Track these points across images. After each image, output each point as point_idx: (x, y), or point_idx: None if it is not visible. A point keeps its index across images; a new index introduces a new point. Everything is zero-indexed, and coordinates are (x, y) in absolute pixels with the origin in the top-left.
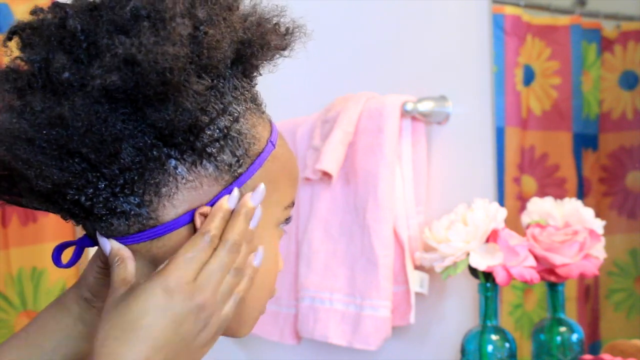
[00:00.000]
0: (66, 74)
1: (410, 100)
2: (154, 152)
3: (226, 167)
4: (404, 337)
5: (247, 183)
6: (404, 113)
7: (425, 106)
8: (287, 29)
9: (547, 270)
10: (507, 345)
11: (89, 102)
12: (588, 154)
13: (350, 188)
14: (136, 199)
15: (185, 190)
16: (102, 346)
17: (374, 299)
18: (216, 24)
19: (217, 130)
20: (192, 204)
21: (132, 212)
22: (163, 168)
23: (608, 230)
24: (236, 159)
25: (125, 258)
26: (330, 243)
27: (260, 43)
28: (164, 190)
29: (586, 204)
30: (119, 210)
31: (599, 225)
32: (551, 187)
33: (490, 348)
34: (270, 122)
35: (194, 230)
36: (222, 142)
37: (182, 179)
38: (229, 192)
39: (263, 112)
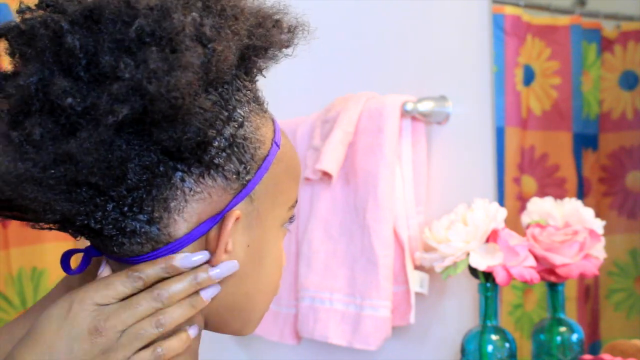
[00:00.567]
0: (69, 100)
1: (410, 100)
2: (161, 168)
3: (234, 176)
4: (404, 337)
5: (255, 189)
6: (404, 113)
7: (425, 106)
8: (290, 26)
9: (547, 270)
10: (507, 345)
11: (98, 137)
12: (588, 154)
13: (350, 188)
14: (145, 216)
15: (194, 203)
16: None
17: (374, 299)
18: (223, 37)
19: (223, 140)
20: (203, 216)
21: (142, 230)
22: (170, 182)
23: (608, 230)
24: (243, 165)
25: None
26: (330, 243)
27: (265, 44)
28: (172, 204)
29: (586, 204)
30: (128, 229)
31: (599, 225)
32: (551, 187)
33: (490, 348)
34: (272, 120)
35: (206, 241)
36: (228, 151)
37: (190, 191)
38: (241, 200)
39: (265, 111)
